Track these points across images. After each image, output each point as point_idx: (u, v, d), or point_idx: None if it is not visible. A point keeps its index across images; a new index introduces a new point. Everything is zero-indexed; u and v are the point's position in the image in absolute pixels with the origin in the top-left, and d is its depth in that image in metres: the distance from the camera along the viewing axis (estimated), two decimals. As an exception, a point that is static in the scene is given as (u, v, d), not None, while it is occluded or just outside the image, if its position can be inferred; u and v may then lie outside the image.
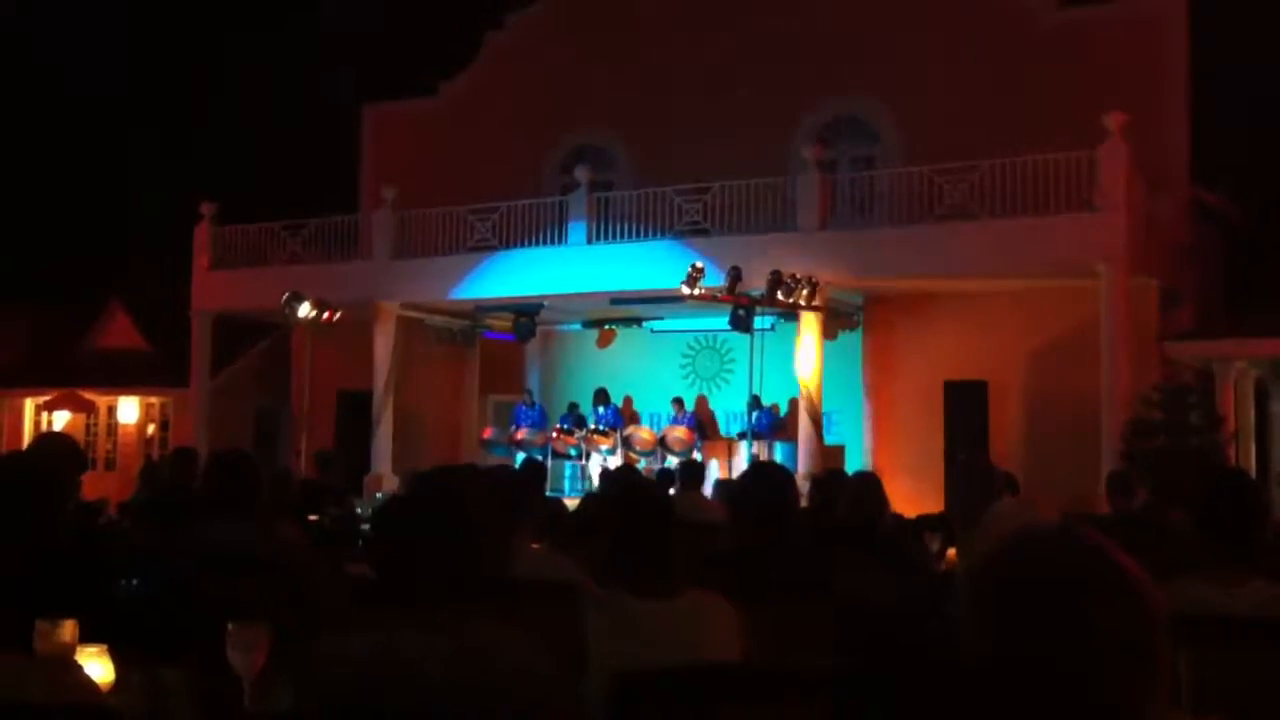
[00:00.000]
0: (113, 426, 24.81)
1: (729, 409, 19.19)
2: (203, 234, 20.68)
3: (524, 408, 19.47)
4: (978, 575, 1.59)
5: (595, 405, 18.74)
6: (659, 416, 19.28)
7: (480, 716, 2.18)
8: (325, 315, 17.86)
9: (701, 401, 19.44)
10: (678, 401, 18.45)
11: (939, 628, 3.94)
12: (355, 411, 19.58)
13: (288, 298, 17.61)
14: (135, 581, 4.59)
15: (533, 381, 20.97)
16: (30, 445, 5.78)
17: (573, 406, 19.22)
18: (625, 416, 19.14)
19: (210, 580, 4.07)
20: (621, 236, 17.83)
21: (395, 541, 2.34)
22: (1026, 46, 17.85)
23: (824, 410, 16.48)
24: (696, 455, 16.55)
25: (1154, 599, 1.52)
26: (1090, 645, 1.47)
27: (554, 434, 18.53)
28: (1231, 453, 14.92)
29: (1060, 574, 1.52)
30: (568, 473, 18.79)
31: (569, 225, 18.18)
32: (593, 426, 18.52)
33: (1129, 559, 1.54)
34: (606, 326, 20.47)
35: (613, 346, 20.71)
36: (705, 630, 3.17)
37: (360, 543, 7.23)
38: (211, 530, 4.50)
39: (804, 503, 5.85)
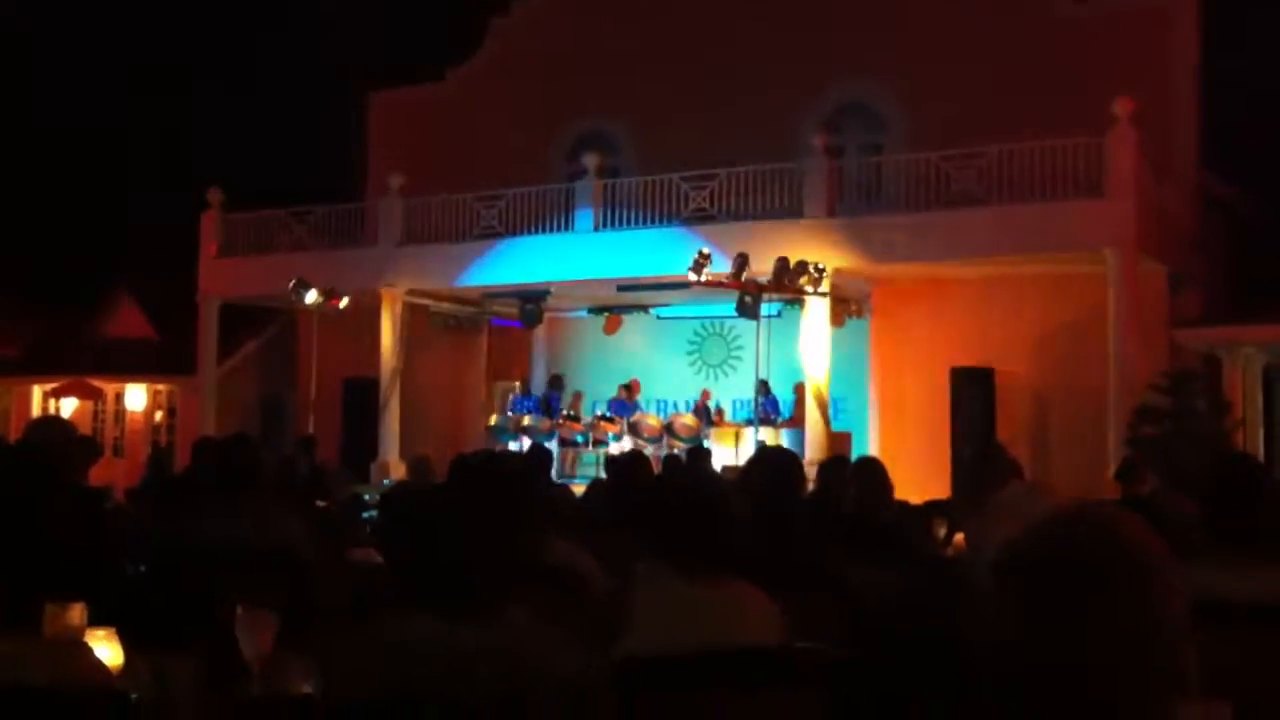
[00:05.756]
0: (120, 413, 24.86)
1: (736, 396, 19.16)
2: (210, 221, 20.68)
3: (520, 396, 19.51)
4: (1007, 560, 1.57)
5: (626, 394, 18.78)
6: (674, 403, 19.16)
7: (524, 710, 2.18)
8: (332, 301, 17.88)
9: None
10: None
11: (944, 615, 3.93)
12: (361, 398, 19.56)
13: (294, 284, 17.62)
14: (142, 567, 4.60)
15: (539, 368, 20.96)
16: (24, 431, 5.75)
17: (554, 380, 19.77)
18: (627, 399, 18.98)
19: (210, 565, 4.07)
20: (628, 223, 17.79)
21: (434, 533, 2.31)
22: (1035, 34, 17.77)
23: (831, 396, 16.47)
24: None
25: (1180, 581, 1.53)
26: (1121, 628, 1.46)
27: (560, 420, 18.50)
28: (1239, 438, 14.90)
29: (1092, 556, 1.50)
30: (590, 460, 18.26)
31: (576, 212, 18.15)
32: (599, 413, 18.47)
33: (1156, 539, 1.54)
34: (613, 313, 20.44)
35: (619, 333, 20.70)
36: (747, 623, 3.14)
37: (368, 530, 7.22)
38: (210, 515, 4.50)
39: (809, 488, 5.83)
